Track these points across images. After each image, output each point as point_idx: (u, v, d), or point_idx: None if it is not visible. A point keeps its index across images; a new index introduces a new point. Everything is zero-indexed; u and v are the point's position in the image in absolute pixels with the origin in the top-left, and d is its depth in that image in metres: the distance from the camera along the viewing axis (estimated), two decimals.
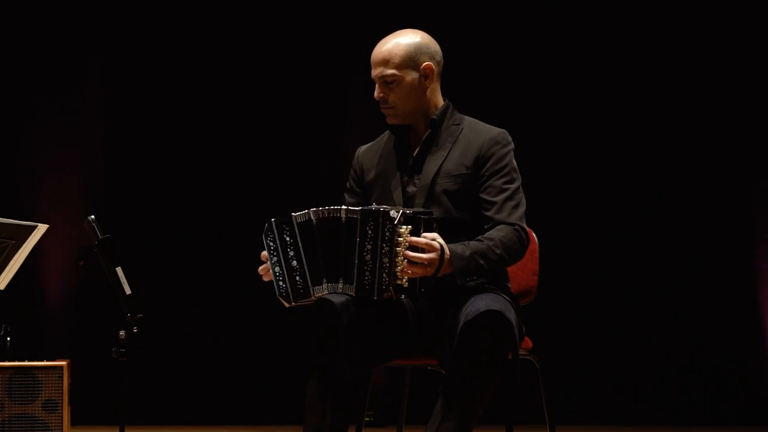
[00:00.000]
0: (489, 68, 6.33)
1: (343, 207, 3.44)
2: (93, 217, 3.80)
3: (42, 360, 5.15)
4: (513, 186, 3.55)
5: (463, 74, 5.62)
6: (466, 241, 3.44)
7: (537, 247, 3.99)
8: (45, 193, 6.41)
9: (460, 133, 3.62)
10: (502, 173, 3.56)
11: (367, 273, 3.36)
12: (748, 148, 6.27)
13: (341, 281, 3.42)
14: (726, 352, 6.24)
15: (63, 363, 5.10)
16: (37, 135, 6.44)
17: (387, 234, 3.33)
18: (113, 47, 6.47)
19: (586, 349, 6.28)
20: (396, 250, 3.33)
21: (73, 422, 5.22)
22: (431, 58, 3.61)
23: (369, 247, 3.36)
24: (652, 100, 6.32)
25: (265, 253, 3.50)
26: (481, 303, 3.34)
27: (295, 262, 3.46)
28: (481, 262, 3.41)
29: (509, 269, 3.67)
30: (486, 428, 4.03)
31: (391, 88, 3.58)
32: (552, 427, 3.86)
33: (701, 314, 6.24)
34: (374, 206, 3.43)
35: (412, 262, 3.31)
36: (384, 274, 3.34)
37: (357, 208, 3.41)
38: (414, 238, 3.33)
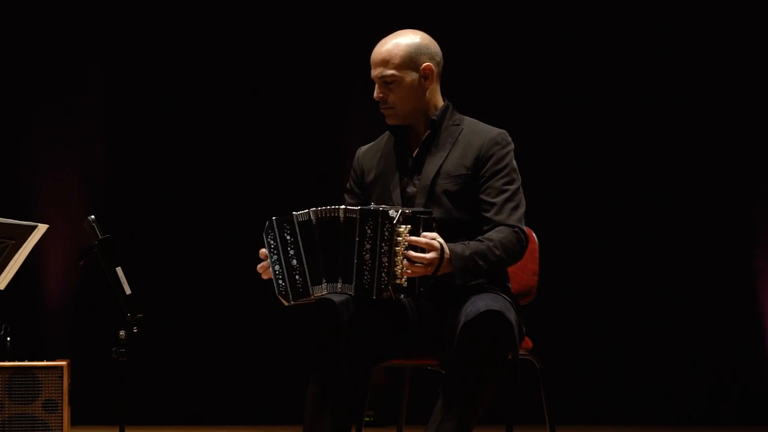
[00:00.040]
0: (489, 68, 6.33)
1: (342, 206, 3.44)
2: (93, 217, 3.80)
3: (42, 360, 5.14)
4: (513, 187, 3.55)
5: (463, 74, 5.61)
6: (467, 242, 3.44)
7: (537, 247, 3.99)
8: (45, 193, 6.41)
9: (459, 134, 3.62)
10: (502, 174, 3.55)
11: (366, 272, 3.36)
12: (748, 148, 6.27)
13: (340, 281, 3.42)
14: (726, 352, 6.23)
15: (63, 363, 5.10)
16: (37, 135, 6.44)
17: (386, 233, 3.33)
18: (113, 48, 6.47)
19: (586, 349, 6.27)
20: (395, 250, 3.32)
21: (73, 422, 5.21)
22: (431, 58, 3.61)
23: (368, 246, 3.36)
24: (652, 100, 6.32)
25: (264, 250, 3.50)
26: (481, 303, 3.34)
27: (295, 261, 3.46)
28: (481, 262, 3.41)
29: (509, 269, 3.67)
30: (486, 428, 4.02)
31: (391, 88, 3.58)
32: (552, 427, 3.86)
33: (701, 314, 6.23)
34: (373, 206, 3.43)
35: (411, 261, 3.31)
36: (383, 274, 3.34)
37: (356, 208, 3.41)
38: (414, 238, 3.32)
